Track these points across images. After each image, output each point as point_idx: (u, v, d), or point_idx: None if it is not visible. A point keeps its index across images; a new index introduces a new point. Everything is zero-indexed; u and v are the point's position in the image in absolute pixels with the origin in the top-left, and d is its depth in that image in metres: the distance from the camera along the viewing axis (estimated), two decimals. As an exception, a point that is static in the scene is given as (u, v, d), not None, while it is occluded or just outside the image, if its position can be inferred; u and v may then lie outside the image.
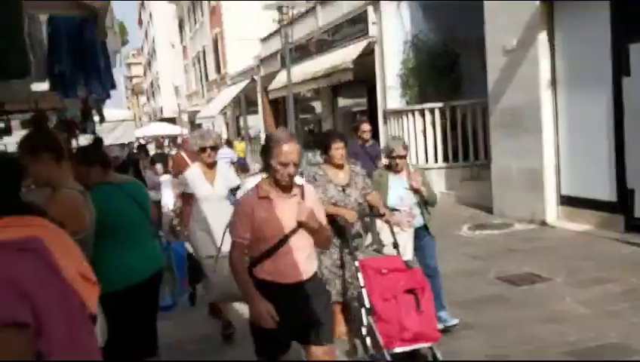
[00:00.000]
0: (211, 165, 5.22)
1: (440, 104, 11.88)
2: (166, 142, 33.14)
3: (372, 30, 13.55)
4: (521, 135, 9.03)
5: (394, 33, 13.11)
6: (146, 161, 11.86)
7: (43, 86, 5.37)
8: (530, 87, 8.78)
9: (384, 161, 5.38)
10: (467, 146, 11.71)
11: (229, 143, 12.53)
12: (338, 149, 4.44)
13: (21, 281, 1.26)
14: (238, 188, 5.24)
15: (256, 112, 26.14)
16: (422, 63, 12.66)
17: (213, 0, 30.10)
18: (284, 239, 3.06)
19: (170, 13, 44.90)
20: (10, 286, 1.24)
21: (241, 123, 29.37)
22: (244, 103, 27.71)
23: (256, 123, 26.57)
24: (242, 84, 25.25)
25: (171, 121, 41.93)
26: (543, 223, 8.65)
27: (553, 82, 8.62)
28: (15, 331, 1.24)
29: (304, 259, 3.13)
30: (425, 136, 12.17)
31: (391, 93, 13.19)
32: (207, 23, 32.25)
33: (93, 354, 1.43)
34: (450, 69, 12.49)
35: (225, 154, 12.15)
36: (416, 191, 4.75)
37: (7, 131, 7.66)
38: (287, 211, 3.07)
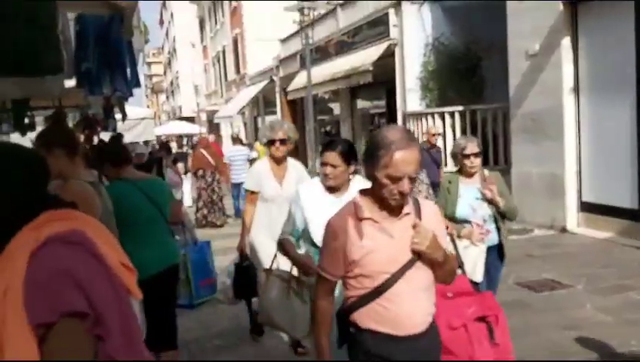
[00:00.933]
0: (280, 160, 4.55)
1: (460, 107, 11.83)
2: (184, 141, 33.36)
3: (393, 32, 13.54)
4: (543, 140, 8.96)
5: (415, 35, 13.09)
6: (169, 159, 11.94)
7: (70, 83, 5.45)
8: (552, 92, 8.71)
9: (449, 164, 4.62)
10: (487, 151, 11.61)
11: (241, 141, 12.82)
12: None
13: (74, 273, 1.29)
14: None
15: (274, 113, 26.20)
16: (443, 66, 12.62)
17: (234, 0, 30.25)
18: (397, 275, 2.20)
19: (191, 13, 45.23)
20: (67, 278, 1.28)
21: (259, 123, 29.47)
22: (263, 104, 27.81)
23: (275, 123, 26.61)
24: (261, 85, 25.34)
25: (190, 120, 42.24)
26: (564, 229, 8.58)
27: (576, 87, 8.55)
28: (76, 321, 1.28)
29: (424, 302, 2.28)
30: (444, 140, 12.12)
31: (411, 96, 13.18)
32: (228, 24, 32.42)
33: (140, 340, 1.48)
34: (471, 73, 12.43)
35: (241, 151, 12.47)
36: (490, 201, 4.01)
37: (32, 127, 7.77)
38: (399, 237, 2.21)
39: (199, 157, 11.70)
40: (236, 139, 13.11)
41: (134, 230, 3.57)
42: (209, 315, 5.91)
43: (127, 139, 13.39)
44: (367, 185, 2.88)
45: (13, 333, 1.24)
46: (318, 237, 2.88)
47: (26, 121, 7.54)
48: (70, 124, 9.75)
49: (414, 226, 2.20)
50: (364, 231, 2.21)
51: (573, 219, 8.66)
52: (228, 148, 13.59)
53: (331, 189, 3.20)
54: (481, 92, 12.48)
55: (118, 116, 9.29)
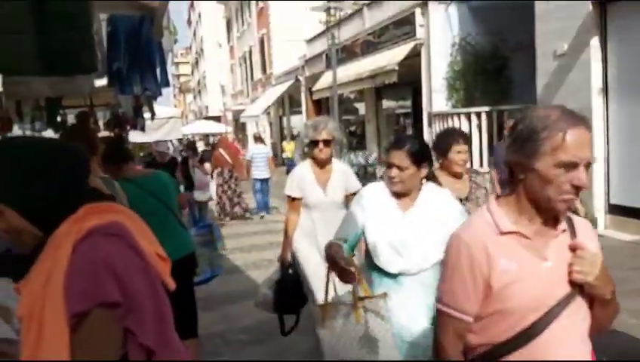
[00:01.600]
0: (324, 163, 4.13)
1: (487, 108, 11.74)
2: (210, 140, 33.68)
3: (419, 32, 13.50)
4: (570, 141, 8.85)
5: (441, 35, 13.05)
6: (195, 159, 12.07)
7: (101, 82, 5.58)
8: (580, 93, 8.61)
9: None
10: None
11: (262, 140, 14.08)
12: (460, 153, 3.59)
13: (112, 264, 1.35)
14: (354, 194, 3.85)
15: (299, 112, 26.30)
16: (469, 66, 12.56)
17: (261, 1, 30.42)
18: (551, 316, 1.59)
19: (218, 14, 45.59)
20: (105, 269, 1.33)
21: (285, 123, 29.61)
22: (288, 103, 27.94)
23: (299, 123, 26.74)
24: (287, 85, 25.46)
25: (216, 119, 42.59)
26: (591, 231, 8.47)
27: (604, 87, 8.44)
28: (108, 311, 1.33)
29: (581, 348, 1.68)
30: (470, 141, 12.03)
31: (437, 96, 13.13)
32: (255, 24, 32.62)
33: (173, 330, 1.53)
34: (498, 73, 12.35)
35: (262, 150, 13.05)
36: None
37: (64, 125, 7.96)
38: (556, 262, 1.61)
39: (218, 157, 12.44)
40: (258, 138, 13.96)
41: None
42: (234, 310, 5.99)
43: (156, 137, 13.57)
44: (442, 193, 2.82)
45: (50, 320, 1.30)
46: (383, 256, 2.62)
47: (59, 119, 7.73)
48: (100, 123, 9.95)
49: (575, 248, 1.62)
50: (506, 251, 1.60)
51: (601, 221, 8.55)
52: (250, 147, 14.35)
53: (398, 196, 2.75)
54: (508, 92, 12.38)
55: (147, 115, 9.45)
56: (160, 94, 6.17)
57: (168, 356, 1.45)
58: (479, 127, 11.85)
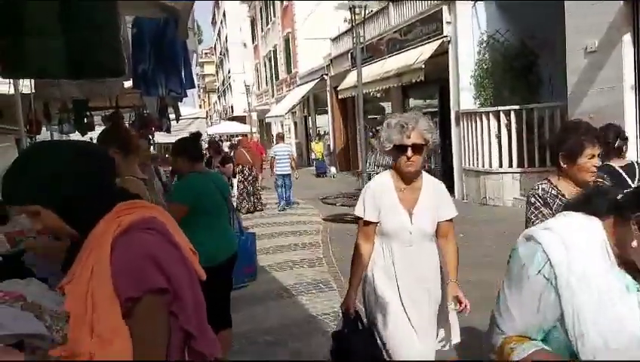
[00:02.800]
0: (411, 177, 3.05)
1: (516, 106, 11.55)
2: (235, 140, 33.87)
3: (446, 29, 13.33)
4: (602, 140, 8.64)
5: (469, 33, 12.86)
6: (217, 160, 12.10)
7: (127, 84, 5.61)
8: (612, 90, 8.39)
9: None
10: (544, 151, 11.31)
11: (283, 139, 15.70)
12: (592, 158, 2.78)
13: (156, 255, 1.47)
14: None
15: (324, 112, 26.26)
16: (498, 64, 12.35)
17: (286, 0, 30.46)
18: None
19: (242, 13, 45.79)
20: (150, 260, 1.46)
21: (309, 122, 29.58)
22: (313, 102, 27.91)
23: (324, 123, 26.69)
24: (312, 84, 25.43)
25: (241, 119, 42.79)
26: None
27: (637, 84, 8.22)
28: (158, 297, 1.46)
29: None
30: (499, 140, 11.86)
31: (464, 95, 12.93)
32: (279, 23, 32.67)
33: (205, 317, 1.63)
34: (527, 70, 12.13)
35: (284, 148, 14.32)
36: None
37: (90, 126, 8.06)
38: None
39: (239, 155, 13.85)
40: (280, 138, 15.56)
41: (208, 219, 4.03)
42: (260, 311, 5.97)
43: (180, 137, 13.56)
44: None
45: (101, 301, 1.43)
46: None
47: (85, 120, 7.82)
48: (126, 124, 10.04)
49: None
50: None
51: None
52: (274, 145, 15.67)
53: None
54: (538, 90, 12.16)
55: (172, 115, 9.50)
56: (185, 95, 6.18)
57: (206, 342, 1.57)
58: (508, 126, 11.66)
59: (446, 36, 13.34)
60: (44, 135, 9.46)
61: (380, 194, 3.06)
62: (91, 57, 2.23)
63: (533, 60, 12.18)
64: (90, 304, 1.43)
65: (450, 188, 13.86)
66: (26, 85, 5.63)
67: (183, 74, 5.02)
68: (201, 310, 1.58)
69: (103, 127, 8.34)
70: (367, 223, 3.10)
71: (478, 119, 12.29)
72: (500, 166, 11.85)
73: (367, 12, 15.85)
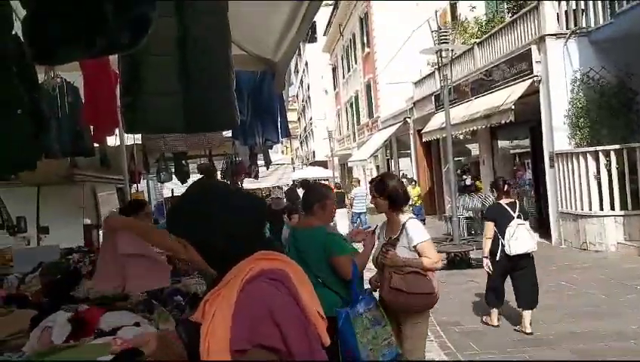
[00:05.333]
0: None
1: (617, 146, 10.95)
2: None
3: (536, 69, 12.93)
4: None
5: (561, 71, 12.42)
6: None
7: (226, 134, 5.76)
8: None
9: None
10: (647, 192, 10.61)
11: (359, 183, 18.63)
12: None
13: (273, 309, 1.46)
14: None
15: (407, 155, 26.03)
16: (593, 102, 11.80)
17: (367, 47, 30.86)
18: None
19: (324, 62, 46.86)
20: (267, 314, 1.45)
21: (392, 166, 29.39)
22: (396, 146, 27.77)
23: (407, 165, 26.42)
24: (394, 128, 25.35)
25: (323, 164, 43.23)
26: None
27: None
28: (265, 353, 1.45)
29: None
30: (599, 181, 11.23)
31: (558, 135, 12.42)
32: (360, 70, 33.08)
33: None
34: (626, 108, 11.51)
35: (360, 191, 16.12)
36: None
37: (188, 175, 8.32)
38: None
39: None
40: (356, 182, 19.25)
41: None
42: None
43: (267, 183, 13.90)
44: None
45: (216, 348, 1.45)
46: None
47: (186, 169, 8.13)
48: (218, 172, 10.36)
49: None
50: None
51: None
52: (354, 189, 19.11)
53: None
54: (638, 128, 11.49)
55: (260, 162, 9.71)
56: (280, 143, 6.29)
57: None
58: (608, 166, 11.04)
59: (536, 75, 12.94)
60: (143, 184, 9.91)
61: None
62: (208, 112, 2.25)
63: (632, 97, 11.57)
64: (206, 345, 1.47)
65: (547, 232, 13.21)
66: (131, 137, 5.89)
67: (279, 123, 5.10)
68: None
69: (197, 176, 8.63)
70: None
71: (574, 160, 11.74)
72: (601, 209, 11.19)
73: (453, 55, 15.72)
